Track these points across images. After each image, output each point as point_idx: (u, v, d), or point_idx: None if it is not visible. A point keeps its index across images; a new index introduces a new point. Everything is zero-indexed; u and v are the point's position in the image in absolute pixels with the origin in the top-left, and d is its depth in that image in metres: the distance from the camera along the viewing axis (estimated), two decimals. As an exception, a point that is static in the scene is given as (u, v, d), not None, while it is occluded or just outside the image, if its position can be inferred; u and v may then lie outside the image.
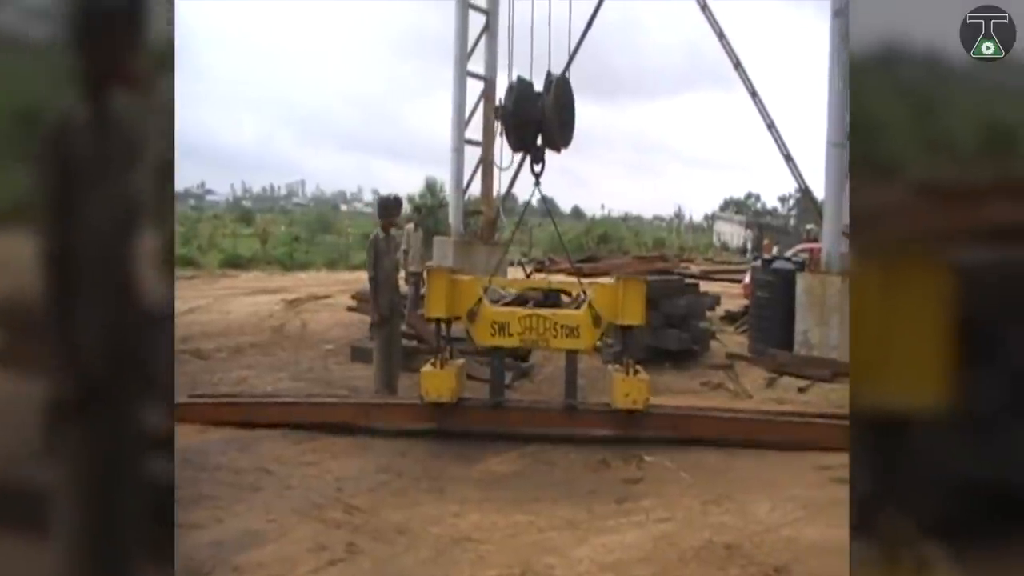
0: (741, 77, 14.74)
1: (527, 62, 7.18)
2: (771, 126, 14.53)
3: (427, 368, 6.49)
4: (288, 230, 38.44)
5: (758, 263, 11.80)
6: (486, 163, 14.74)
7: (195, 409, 6.81)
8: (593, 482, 5.44)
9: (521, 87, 6.83)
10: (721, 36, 14.71)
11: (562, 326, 6.35)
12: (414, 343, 9.46)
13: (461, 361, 6.97)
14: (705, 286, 14.09)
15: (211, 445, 6.11)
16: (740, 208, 72.86)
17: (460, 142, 14.37)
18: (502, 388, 6.83)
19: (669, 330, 9.63)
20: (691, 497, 5.08)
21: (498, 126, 6.95)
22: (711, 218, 66.93)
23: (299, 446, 6.18)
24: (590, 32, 15.75)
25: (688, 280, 13.01)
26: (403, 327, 8.35)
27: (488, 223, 15.08)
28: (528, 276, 14.84)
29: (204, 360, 9.77)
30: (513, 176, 15.86)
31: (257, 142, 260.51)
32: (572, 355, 6.61)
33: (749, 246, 37.40)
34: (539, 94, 6.77)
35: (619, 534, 4.48)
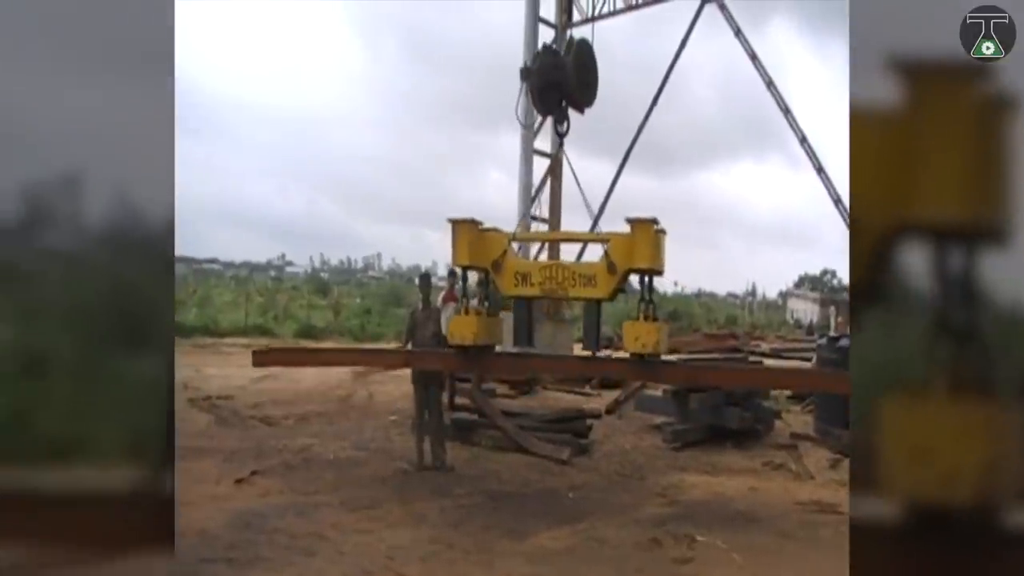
0: (807, 152, 14.78)
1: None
2: (838, 201, 14.43)
3: (455, 315, 6.90)
4: (361, 302, 39.31)
5: (823, 341, 11.57)
6: (552, 238, 14.98)
7: (269, 356, 7.73)
8: (642, 560, 5.37)
9: (546, 51, 7.18)
10: (787, 112, 14.86)
11: (580, 275, 6.52)
12: (475, 416, 9.58)
13: (496, 316, 7.20)
14: (776, 364, 13.85)
15: (271, 509, 6.28)
16: (816, 285, 71.34)
17: (527, 219, 14.67)
18: (529, 337, 6.99)
19: (730, 408, 9.53)
20: (742, 579, 4.99)
21: (522, 88, 7.26)
22: (785, 295, 65.76)
23: (355, 514, 6.30)
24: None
25: (754, 358, 12.89)
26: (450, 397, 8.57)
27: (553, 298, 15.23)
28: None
29: (271, 427, 10.06)
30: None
31: (307, 213, 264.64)
32: (592, 305, 6.78)
33: (816, 323, 36.37)
34: (563, 58, 7.09)
35: (665, 614, 4.42)
